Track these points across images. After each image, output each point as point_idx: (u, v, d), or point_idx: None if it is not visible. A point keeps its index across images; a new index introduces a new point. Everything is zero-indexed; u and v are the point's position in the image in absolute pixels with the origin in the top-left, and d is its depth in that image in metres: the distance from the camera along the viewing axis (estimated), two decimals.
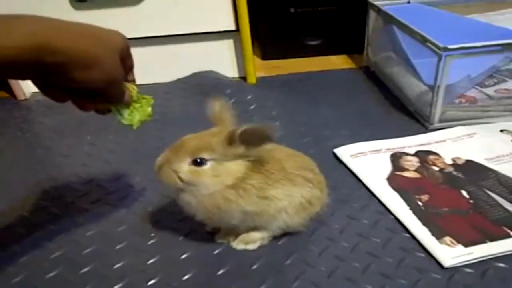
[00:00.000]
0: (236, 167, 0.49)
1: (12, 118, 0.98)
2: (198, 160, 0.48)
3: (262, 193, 0.50)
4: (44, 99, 1.04)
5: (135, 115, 0.52)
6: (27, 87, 1.07)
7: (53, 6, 0.95)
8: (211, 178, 0.48)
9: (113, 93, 0.46)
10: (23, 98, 1.06)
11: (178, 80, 1.08)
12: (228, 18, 0.99)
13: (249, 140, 0.47)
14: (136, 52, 1.12)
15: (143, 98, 0.53)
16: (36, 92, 1.09)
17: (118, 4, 0.95)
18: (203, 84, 1.04)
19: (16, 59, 0.34)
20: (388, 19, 0.93)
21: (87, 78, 0.39)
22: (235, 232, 0.56)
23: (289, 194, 0.51)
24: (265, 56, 1.19)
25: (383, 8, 0.95)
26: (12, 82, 1.04)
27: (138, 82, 1.19)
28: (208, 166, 0.48)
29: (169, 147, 0.50)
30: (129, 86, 0.50)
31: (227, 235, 0.57)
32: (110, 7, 0.96)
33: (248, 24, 0.99)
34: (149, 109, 0.53)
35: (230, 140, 0.47)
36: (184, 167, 0.48)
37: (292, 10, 1.10)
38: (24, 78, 0.39)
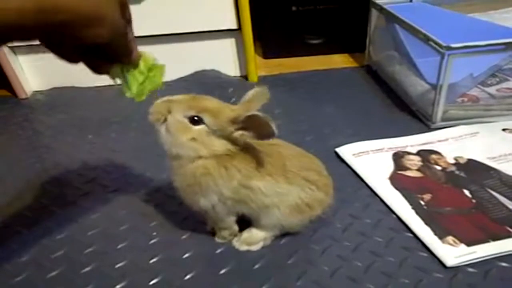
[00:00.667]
0: (218, 144, 0.48)
1: (13, 116, 0.98)
2: (196, 118, 0.47)
3: (246, 181, 0.49)
4: (44, 97, 1.06)
5: (146, 85, 0.48)
6: (28, 86, 1.07)
7: None
8: (190, 140, 0.47)
9: (119, 48, 0.44)
10: (24, 96, 1.06)
11: (180, 78, 1.08)
12: (230, 17, 0.99)
13: (252, 127, 0.46)
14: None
15: (157, 67, 0.49)
16: (37, 91, 1.09)
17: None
18: (205, 83, 1.04)
19: (18, 21, 0.33)
20: (390, 17, 0.93)
21: (91, 33, 0.38)
22: (232, 230, 0.56)
23: (280, 192, 0.50)
24: (266, 55, 1.19)
25: (385, 6, 0.95)
26: (14, 81, 1.04)
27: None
28: (199, 128, 0.47)
29: (189, 96, 0.49)
30: (144, 52, 0.48)
31: (223, 235, 0.57)
32: None
33: (250, 23, 0.98)
34: (161, 78, 0.50)
35: (235, 119, 0.46)
36: (178, 116, 0.47)
37: (294, 8, 1.10)
38: (28, 39, 0.37)
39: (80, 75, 1.09)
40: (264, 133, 0.45)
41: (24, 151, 0.84)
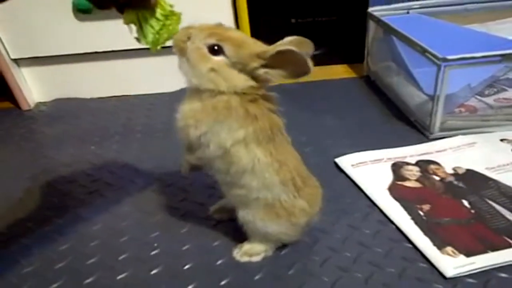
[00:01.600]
0: (238, 79, 0.44)
1: (16, 128, 0.99)
2: (216, 47, 0.44)
3: (251, 141, 0.46)
4: (47, 109, 1.07)
5: (162, 33, 0.45)
6: (31, 98, 1.09)
7: (59, 18, 0.96)
8: (209, 70, 0.44)
9: None
10: (27, 108, 1.07)
11: (182, 89, 1.08)
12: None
13: (283, 64, 0.43)
14: (141, 63, 1.14)
15: (173, 15, 0.46)
16: (40, 102, 1.10)
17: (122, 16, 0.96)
18: None
19: None
20: (387, 29, 0.94)
21: None
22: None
23: (267, 178, 0.47)
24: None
25: (382, 18, 0.96)
26: (17, 93, 1.05)
27: (144, 92, 1.20)
28: (218, 58, 0.44)
29: (213, 24, 0.46)
30: (161, 0, 0.45)
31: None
32: (114, 19, 0.97)
33: (250, 35, 1.00)
34: (178, 26, 0.46)
35: (262, 53, 0.43)
36: (198, 43, 0.44)
37: (293, 20, 1.11)
38: None
39: (82, 86, 1.11)
40: (299, 70, 0.43)
41: (27, 162, 0.85)
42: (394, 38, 0.91)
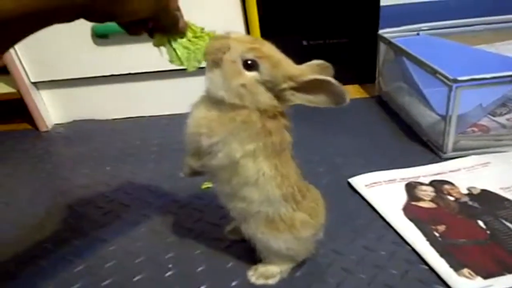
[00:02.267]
0: (264, 96, 0.44)
1: (34, 149, 1.01)
2: (250, 62, 0.43)
3: (259, 155, 0.45)
4: (64, 130, 1.10)
5: (196, 54, 0.45)
6: (49, 119, 1.12)
7: (77, 42, 1.00)
8: (240, 85, 0.43)
9: (162, 20, 0.42)
10: (45, 129, 1.10)
11: None
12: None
13: (314, 89, 0.43)
14: (155, 85, 1.17)
15: (206, 34, 0.46)
16: (58, 124, 1.14)
17: (138, 40, 1.00)
18: None
19: (51, 3, 0.32)
20: (398, 51, 0.95)
21: (126, 9, 0.36)
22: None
23: (268, 191, 0.47)
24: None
25: (392, 40, 0.98)
26: (35, 115, 1.08)
27: (156, 113, 1.22)
28: (251, 74, 0.43)
29: (250, 37, 0.46)
30: (190, 22, 0.46)
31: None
32: (131, 43, 1.00)
33: None
34: None
35: (296, 76, 0.43)
36: (235, 56, 0.43)
37: (304, 43, 1.13)
38: (65, 21, 0.36)
39: (99, 108, 1.14)
40: (334, 100, 0.43)
41: (44, 184, 0.86)
42: (405, 59, 0.92)
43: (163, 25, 0.43)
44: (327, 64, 0.47)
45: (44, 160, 0.96)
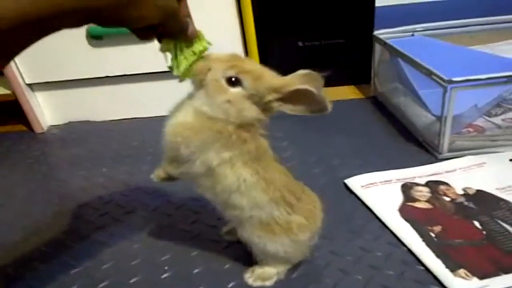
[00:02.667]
0: (250, 110, 0.45)
1: (29, 150, 1.01)
2: (233, 79, 0.44)
3: (236, 162, 0.46)
4: (60, 132, 1.09)
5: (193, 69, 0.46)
6: (44, 121, 1.11)
7: (72, 43, 1.00)
8: (225, 102, 0.44)
9: (171, 27, 0.42)
10: (40, 131, 1.10)
11: None
12: (238, 52, 1.03)
13: (299, 100, 0.44)
14: (151, 86, 1.17)
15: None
16: (53, 125, 1.13)
17: (133, 42, 0.99)
18: None
19: (59, 8, 0.32)
20: (393, 52, 0.96)
21: (134, 16, 0.36)
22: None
23: (255, 197, 0.48)
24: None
25: (388, 41, 0.98)
26: (31, 116, 1.08)
27: (152, 115, 1.22)
28: (235, 90, 0.44)
29: (231, 55, 0.46)
30: (201, 33, 0.46)
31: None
32: (126, 44, 1.00)
33: (258, 58, 1.02)
34: None
35: (280, 88, 0.44)
36: (217, 75, 0.44)
37: (300, 44, 1.14)
38: (72, 26, 0.36)
39: (94, 110, 1.13)
40: (316, 108, 0.44)
41: (39, 185, 0.86)
42: (400, 60, 0.93)
43: (170, 31, 0.43)
44: (315, 73, 0.46)
45: (39, 162, 0.96)
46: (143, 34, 0.43)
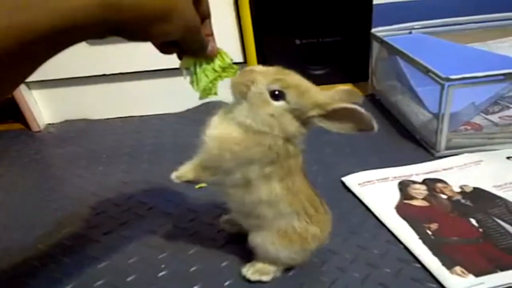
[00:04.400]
0: (292, 125, 0.45)
1: (26, 149, 1.00)
2: (276, 92, 0.43)
3: (272, 175, 0.46)
4: (56, 130, 1.09)
5: (215, 84, 0.46)
6: (41, 119, 1.11)
7: None
8: (269, 115, 0.44)
9: (192, 43, 0.42)
10: (37, 129, 1.09)
11: (188, 110, 1.11)
12: (235, 51, 1.03)
13: (342, 117, 0.44)
14: (147, 84, 1.17)
15: (231, 68, 0.47)
16: (50, 124, 1.13)
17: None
18: (213, 114, 1.06)
19: (84, 20, 0.32)
20: (391, 49, 0.95)
21: (159, 31, 0.36)
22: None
23: (281, 209, 0.48)
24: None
25: (385, 39, 0.98)
26: (28, 115, 1.07)
27: (149, 113, 1.22)
28: (279, 104, 0.44)
29: (275, 68, 0.46)
30: (222, 50, 0.46)
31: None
32: (123, 42, 0.99)
33: (255, 56, 1.02)
34: None
35: (324, 105, 0.44)
36: (261, 88, 0.43)
37: (298, 42, 1.13)
38: (94, 38, 0.36)
39: (91, 108, 1.13)
40: (361, 128, 0.44)
41: (36, 184, 0.86)
42: (398, 58, 0.93)
43: (190, 48, 0.43)
44: (354, 90, 0.47)
45: (36, 161, 0.95)
46: (165, 49, 0.43)
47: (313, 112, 0.45)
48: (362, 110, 0.42)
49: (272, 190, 0.47)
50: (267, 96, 0.44)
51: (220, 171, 0.47)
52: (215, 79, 0.45)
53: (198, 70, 0.45)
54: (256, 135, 0.45)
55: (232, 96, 0.46)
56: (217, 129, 0.47)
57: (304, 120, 0.45)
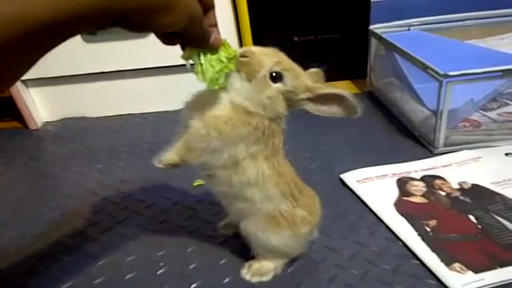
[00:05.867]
0: (281, 106, 0.46)
1: (24, 147, 1.00)
2: (275, 74, 0.45)
3: (259, 155, 0.47)
4: (54, 128, 1.08)
5: (222, 74, 0.45)
6: (38, 117, 1.10)
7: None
8: (267, 97, 0.45)
9: (195, 34, 0.41)
10: (35, 128, 1.09)
11: None
12: (233, 47, 1.02)
13: (328, 101, 0.46)
14: (146, 82, 1.16)
15: (237, 58, 0.46)
16: (47, 122, 1.12)
17: (128, 37, 0.99)
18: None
19: (88, 10, 0.32)
20: (389, 46, 0.95)
21: (162, 22, 0.36)
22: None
23: (267, 190, 0.49)
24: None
25: (383, 35, 0.98)
26: (25, 113, 1.07)
27: (147, 110, 1.22)
28: (276, 85, 0.45)
29: (272, 50, 0.47)
30: (226, 41, 0.45)
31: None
32: (120, 40, 0.99)
33: None
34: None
35: (314, 89, 0.46)
36: (265, 68, 0.44)
37: (296, 38, 1.13)
38: (97, 29, 0.36)
39: (88, 106, 1.12)
40: (346, 113, 0.46)
41: (34, 183, 0.86)
42: (396, 55, 0.93)
43: (192, 38, 0.42)
44: (321, 72, 0.50)
45: (34, 159, 0.95)
46: (168, 39, 0.43)
47: (303, 95, 0.46)
48: (348, 95, 0.45)
49: (259, 169, 0.47)
50: (268, 78, 0.45)
51: (207, 151, 0.46)
52: (221, 69, 0.44)
53: (203, 60, 0.44)
54: (245, 114, 0.45)
55: (234, 75, 0.45)
56: (204, 110, 0.46)
57: (292, 102, 0.47)
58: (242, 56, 0.45)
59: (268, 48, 0.47)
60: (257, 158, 0.47)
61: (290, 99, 0.47)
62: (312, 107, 0.47)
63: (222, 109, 0.45)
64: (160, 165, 0.50)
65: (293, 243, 0.53)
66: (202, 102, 0.47)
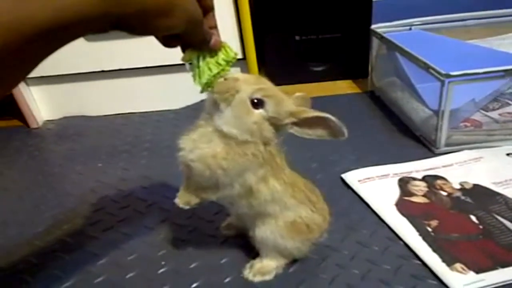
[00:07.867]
0: (269, 131, 0.47)
1: (24, 146, 1.00)
2: (256, 101, 0.45)
3: (268, 176, 0.49)
4: (55, 127, 1.08)
5: (215, 79, 0.45)
6: (39, 116, 1.10)
7: None
8: (252, 123, 0.45)
9: (194, 36, 0.42)
10: (35, 126, 1.09)
11: (188, 106, 1.10)
12: (235, 47, 1.01)
13: (313, 124, 0.47)
14: (146, 81, 1.16)
15: (235, 61, 0.47)
16: (48, 120, 1.12)
17: (129, 36, 0.98)
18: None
19: (86, 14, 0.32)
20: (390, 46, 0.95)
21: (162, 24, 0.36)
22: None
23: (285, 202, 0.51)
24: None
25: (385, 35, 0.98)
26: (26, 111, 1.07)
27: (147, 109, 1.22)
28: (258, 111, 0.46)
29: (255, 76, 0.48)
30: (226, 44, 0.46)
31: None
32: (122, 38, 0.99)
33: (254, 53, 1.02)
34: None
35: (298, 113, 0.47)
36: (244, 96, 0.45)
37: (297, 38, 1.13)
38: (97, 33, 0.35)
39: (89, 104, 1.12)
40: (332, 135, 0.47)
41: (34, 181, 0.85)
42: (398, 54, 0.92)
43: (192, 40, 0.42)
44: (307, 96, 0.52)
45: (35, 157, 0.95)
46: (168, 42, 0.43)
47: (288, 120, 0.47)
48: (333, 118, 0.46)
49: (272, 188, 0.49)
50: (249, 104, 0.45)
51: (220, 186, 0.48)
52: (219, 72, 0.45)
53: (201, 63, 0.44)
54: (238, 145, 0.46)
55: (208, 107, 0.47)
56: (199, 149, 0.47)
57: (278, 127, 0.48)
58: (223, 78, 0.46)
59: (253, 75, 0.48)
60: (267, 180, 0.49)
61: (274, 124, 0.47)
62: (298, 131, 0.48)
63: (215, 145, 0.46)
64: (187, 207, 0.52)
65: (304, 247, 0.55)
66: (195, 141, 0.48)
